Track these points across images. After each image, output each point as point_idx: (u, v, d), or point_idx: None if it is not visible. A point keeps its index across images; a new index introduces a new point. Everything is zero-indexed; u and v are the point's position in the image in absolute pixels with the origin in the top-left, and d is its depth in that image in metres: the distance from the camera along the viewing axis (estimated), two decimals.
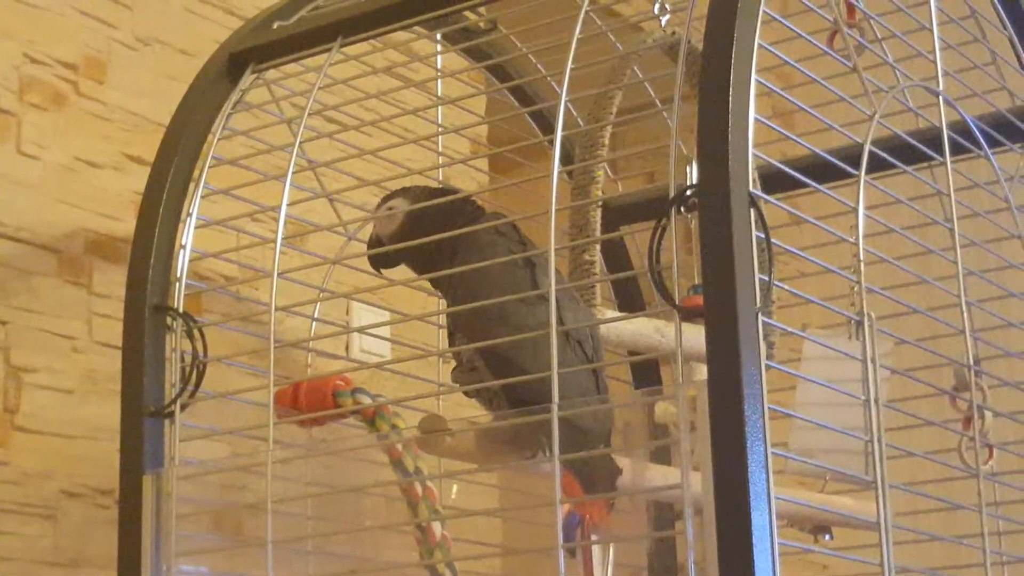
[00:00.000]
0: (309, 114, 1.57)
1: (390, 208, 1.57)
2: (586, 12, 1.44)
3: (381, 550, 1.76)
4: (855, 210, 1.40)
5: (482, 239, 1.50)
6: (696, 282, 1.34)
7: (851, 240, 1.40)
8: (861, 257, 1.39)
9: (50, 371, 1.83)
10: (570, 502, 1.39)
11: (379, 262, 1.59)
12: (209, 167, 1.62)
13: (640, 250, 1.95)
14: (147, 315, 1.55)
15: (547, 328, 1.33)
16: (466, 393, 1.52)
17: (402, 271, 1.60)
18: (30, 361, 1.81)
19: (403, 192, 1.59)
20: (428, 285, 1.65)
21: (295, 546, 1.57)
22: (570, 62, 1.40)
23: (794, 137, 1.41)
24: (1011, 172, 1.73)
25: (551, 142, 1.39)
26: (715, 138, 1.24)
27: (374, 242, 1.59)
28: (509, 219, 1.51)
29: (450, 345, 1.53)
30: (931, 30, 1.63)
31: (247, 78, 1.67)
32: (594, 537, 1.43)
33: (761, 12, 1.30)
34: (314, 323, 1.75)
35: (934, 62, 1.61)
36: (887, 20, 1.62)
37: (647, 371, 1.95)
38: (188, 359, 1.54)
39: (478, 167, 2.38)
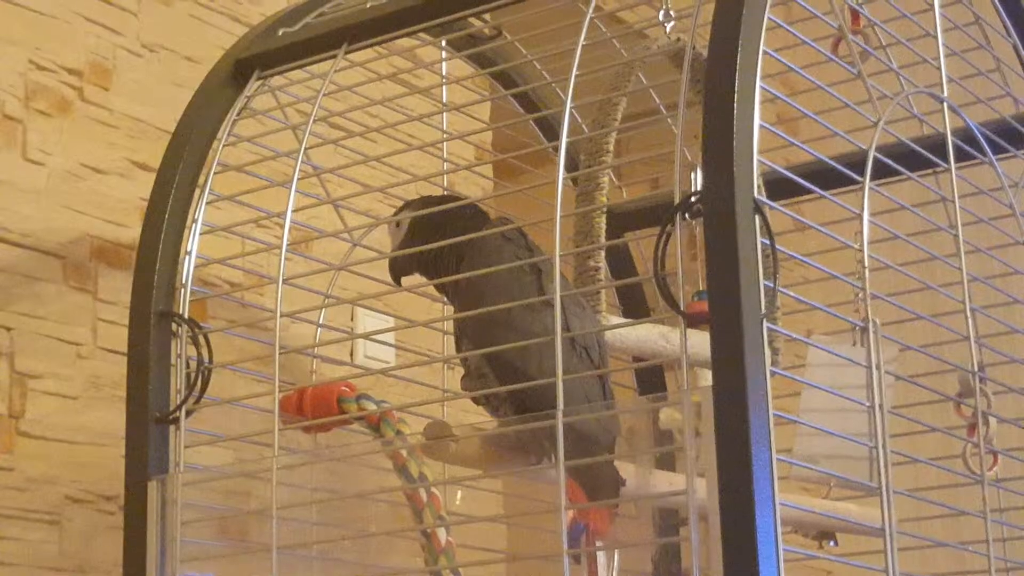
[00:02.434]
0: (314, 120, 1.58)
1: (398, 223, 1.57)
2: (591, 19, 1.44)
3: (386, 556, 1.76)
4: (860, 216, 1.40)
5: (489, 244, 1.50)
6: (701, 288, 1.34)
7: (856, 246, 1.40)
8: (866, 263, 1.39)
9: (55, 377, 1.83)
10: (575, 508, 1.39)
11: (395, 272, 1.60)
12: (214, 173, 1.62)
13: (645, 256, 1.95)
14: (152, 321, 1.55)
15: (551, 334, 1.34)
16: (475, 400, 1.52)
17: (407, 277, 1.61)
18: (35, 367, 1.81)
19: (408, 205, 1.60)
20: (433, 291, 1.65)
21: (300, 552, 1.57)
22: (575, 68, 1.40)
23: (799, 143, 1.41)
24: (1015, 178, 1.73)
25: (556, 148, 1.39)
26: (720, 144, 1.24)
27: (391, 259, 1.59)
28: (516, 225, 1.51)
29: (457, 351, 1.53)
30: (935, 37, 1.63)
31: (252, 85, 1.68)
32: (599, 543, 1.43)
33: (766, 19, 1.30)
34: (319, 329, 1.76)
35: (938, 68, 1.61)
36: (891, 27, 1.63)
37: (652, 377, 1.96)
38: (193, 365, 1.54)
39: (483, 173, 2.38)
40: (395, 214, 1.60)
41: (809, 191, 1.41)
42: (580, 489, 1.42)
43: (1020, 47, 1.81)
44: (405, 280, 1.61)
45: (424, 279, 1.58)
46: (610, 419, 1.47)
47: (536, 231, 1.48)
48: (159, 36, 2.03)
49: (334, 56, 1.62)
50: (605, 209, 1.63)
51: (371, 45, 1.63)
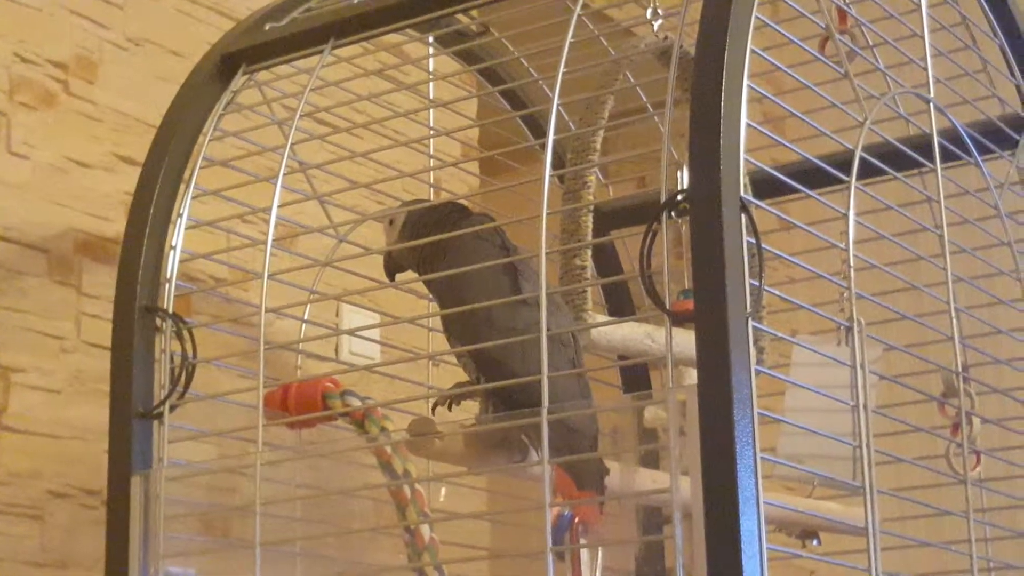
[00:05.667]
0: (300, 116, 1.57)
1: (391, 221, 1.58)
2: (578, 16, 1.44)
3: (369, 552, 1.76)
4: (845, 216, 1.40)
5: (467, 244, 1.50)
6: (686, 287, 1.34)
7: (841, 246, 1.40)
8: (851, 263, 1.39)
9: (38, 371, 1.82)
10: (559, 506, 1.39)
11: (388, 270, 1.60)
12: (200, 168, 1.62)
13: (631, 255, 1.95)
14: (136, 316, 1.55)
15: (532, 331, 1.34)
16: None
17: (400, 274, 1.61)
18: (18, 361, 1.81)
19: (403, 205, 1.60)
20: (418, 287, 1.65)
21: (283, 548, 1.57)
22: (562, 66, 1.40)
23: (785, 143, 1.41)
24: (1000, 179, 1.73)
25: (543, 146, 1.39)
26: (706, 143, 1.24)
27: (386, 255, 1.60)
28: (494, 224, 1.51)
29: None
30: (922, 37, 1.63)
31: (238, 79, 1.67)
32: (584, 539, 1.43)
33: (753, 18, 1.30)
34: (304, 325, 1.75)
35: (925, 69, 1.62)
36: (878, 27, 1.63)
37: (637, 376, 1.95)
38: (177, 360, 1.54)
39: (469, 170, 2.38)
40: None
41: (795, 190, 1.42)
42: (567, 477, 1.42)
43: (1006, 48, 1.81)
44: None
45: (414, 276, 1.59)
46: (591, 412, 1.47)
47: (522, 229, 1.48)
48: (145, 30, 2.03)
49: (321, 51, 1.62)
50: (592, 207, 1.63)
51: (358, 41, 1.63)
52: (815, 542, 1.79)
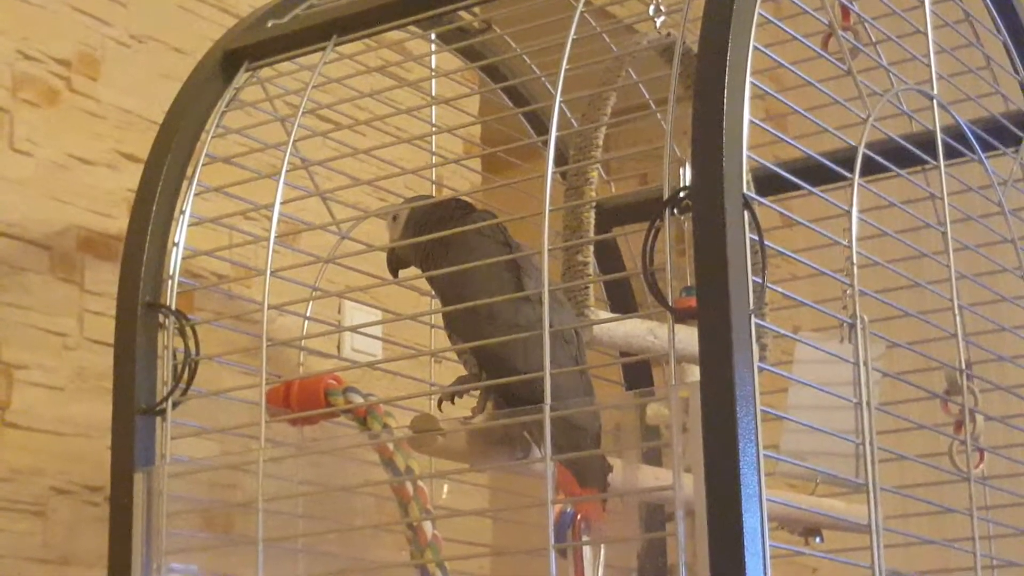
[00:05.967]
0: (303, 113, 1.57)
1: (394, 217, 1.58)
2: (581, 13, 1.44)
3: (371, 549, 1.76)
4: (848, 213, 1.40)
5: (469, 241, 1.50)
6: (689, 284, 1.34)
7: (844, 243, 1.40)
8: (854, 260, 1.39)
9: (41, 368, 1.82)
10: (562, 503, 1.39)
11: (392, 265, 1.60)
12: (202, 165, 1.62)
13: (633, 252, 1.95)
14: (139, 312, 1.55)
15: (534, 328, 1.33)
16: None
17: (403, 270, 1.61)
18: (21, 358, 1.81)
19: (407, 202, 1.60)
20: (421, 284, 1.65)
21: (285, 545, 1.57)
22: (564, 63, 1.40)
23: (788, 139, 1.41)
24: (1004, 176, 1.73)
25: (545, 143, 1.39)
26: (709, 140, 1.24)
27: (389, 252, 1.60)
28: (495, 220, 1.51)
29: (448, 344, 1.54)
30: (925, 34, 1.63)
31: (241, 76, 1.67)
32: (586, 536, 1.43)
33: (756, 14, 1.30)
34: (306, 322, 1.75)
35: (928, 66, 1.61)
36: (881, 23, 1.63)
37: (639, 373, 1.95)
38: (180, 357, 1.54)
39: (471, 167, 2.38)
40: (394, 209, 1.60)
41: (798, 187, 1.41)
42: (570, 474, 1.42)
43: (1010, 45, 1.81)
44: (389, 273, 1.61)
45: (416, 272, 1.59)
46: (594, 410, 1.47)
47: (525, 225, 1.48)
48: (148, 27, 2.03)
49: (323, 48, 1.62)
50: (594, 204, 1.63)
51: (360, 37, 1.63)
52: (818, 539, 1.79)
